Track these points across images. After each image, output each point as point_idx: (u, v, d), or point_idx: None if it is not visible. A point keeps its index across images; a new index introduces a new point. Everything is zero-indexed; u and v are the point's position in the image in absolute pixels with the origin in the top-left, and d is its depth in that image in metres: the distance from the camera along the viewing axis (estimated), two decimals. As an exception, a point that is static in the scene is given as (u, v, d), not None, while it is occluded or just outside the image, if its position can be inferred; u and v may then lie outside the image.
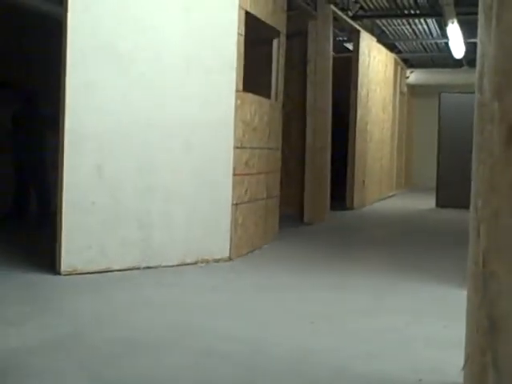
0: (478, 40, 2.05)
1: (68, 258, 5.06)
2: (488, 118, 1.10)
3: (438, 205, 12.35)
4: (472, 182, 2.18)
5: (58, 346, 3.40)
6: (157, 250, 5.53)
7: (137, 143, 5.39)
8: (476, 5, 2.50)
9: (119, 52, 5.27)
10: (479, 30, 1.95)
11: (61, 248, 5.05)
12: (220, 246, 5.97)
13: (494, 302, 0.73)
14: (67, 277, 5.00)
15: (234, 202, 6.08)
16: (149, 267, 5.44)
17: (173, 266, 5.58)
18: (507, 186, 0.59)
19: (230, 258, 6.02)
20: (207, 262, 5.84)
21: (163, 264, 5.54)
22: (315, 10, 8.99)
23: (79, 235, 5.11)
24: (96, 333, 3.67)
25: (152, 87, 5.45)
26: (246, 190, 6.39)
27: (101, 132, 5.19)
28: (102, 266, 5.21)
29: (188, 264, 5.68)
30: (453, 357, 3.17)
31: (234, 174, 6.06)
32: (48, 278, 4.96)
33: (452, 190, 11.84)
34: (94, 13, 5.13)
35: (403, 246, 7.54)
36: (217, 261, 5.91)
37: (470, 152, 2.54)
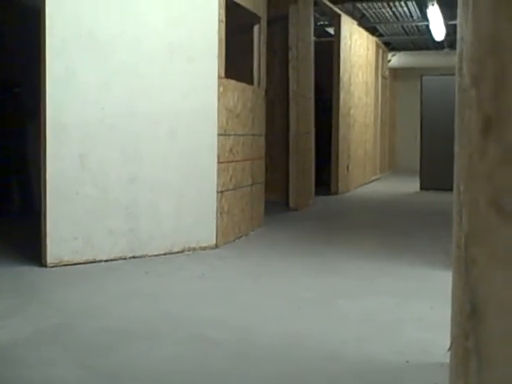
0: (457, 23, 2.05)
1: (54, 249, 5.03)
2: (467, 104, 1.09)
3: (421, 187, 12.41)
4: (454, 165, 2.19)
5: (47, 338, 3.39)
6: (144, 239, 5.52)
7: (120, 132, 5.36)
8: (457, -13, 2.50)
9: (100, 40, 5.23)
10: (458, 13, 1.95)
11: (46, 239, 5.02)
12: (206, 233, 5.97)
13: (474, 287, 0.73)
14: (53, 268, 4.97)
15: (220, 190, 6.08)
16: (135, 257, 5.43)
17: (159, 255, 5.57)
18: (483, 176, 0.59)
19: (216, 246, 6.02)
20: (194, 250, 5.84)
21: (150, 253, 5.53)
22: (296, -6, 8.95)
23: (64, 226, 5.09)
24: (85, 323, 3.66)
25: (134, 75, 5.41)
26: (231, 177, 6.39)
27: (83, 121, 5.15)
28: (89, 257, 5.19)
29: (175, 253, 5.68)
30: (439, 338, 3.20)
31: (219, 162, 6.05)
32: (34, 270, 4.93)
33: (435, 172, 11.92)
34: (73, 0, 5.08)
35: (389, 229, 7.58)
36: (203, 248, 5.91)
37: (453, 135, 2.54)
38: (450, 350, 2.23)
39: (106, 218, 5.29)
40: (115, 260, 5.30)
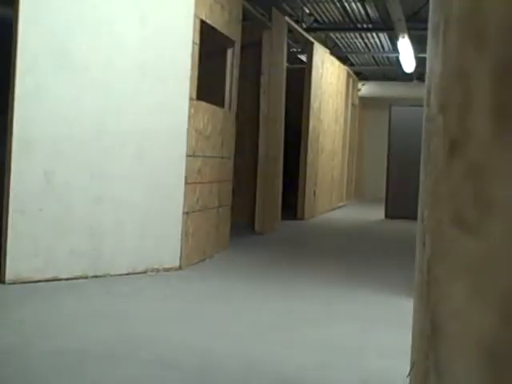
0: (427, 56, 2.11)
1: (13, 265, 4.94)
2: (434, 132, 1.14)
3: (386, 216, 12.54)
4: (419, 194, 2.23)
5: (2, 358, 3.31)
6: (106, 258, 5.45)
7: (88, 150, 5.31)
8: (426, 21, 2.56)
9: (73, 56, 5.20)
10: (428, 47, 2.01)
11: (5, 255, 4.93)
12: (170, 254, 5.93)
13: (435, 306, 0.76)
14: (12, 285, 4.88)
15: (186, 211, 6.06)
16: (97, 276, 5.36)
17: (122, 274, 5.51)
18: (447, 197, 0.63)
19: (180, 267, 5.98)
20: (157, 271, 5.79)
21: (112, 273, 5.47)
22: (270, 21, 9.05)
23: (25, 243, 5.00)
24: (42, 344, 3.59)
25: (105, 93, 5.39)
26: (198, 199, 6.37)
27: (51, 138, 5.10)
28: (49, 275, 5.11)
29: (138, 273, 5.62)
30: (401, 365, 3.21)
31: (186, 183, 6.03)
32: (-8, 287, 4.83)
33: (401, 201, 12.06)
34: (46, 16, 5.05)
35: (353, 256, 7.62)
36: (167, 270, 5.86)
37: (419, 164, 2.59)
38: (409, 375, 2.24)
39: (68, 236, 5.22)
40: (76, 279, 5.23)
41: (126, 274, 5.54)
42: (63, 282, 5.12)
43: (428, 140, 1.51)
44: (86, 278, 5.29)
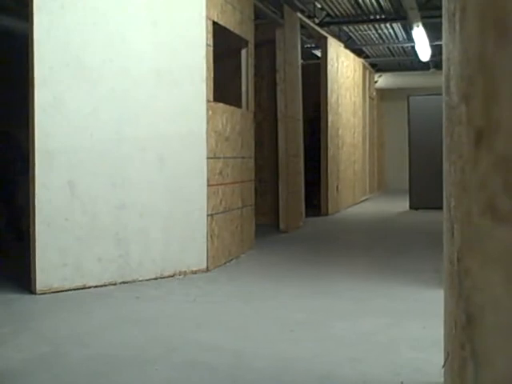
0: (443, 43, 2.06)
1: (43, 276, 5.00)
2: (457, 121, 1.12)
3: (411, 207, 12.45)
4: (444, 184, 2.19)
5: (40, 366, 3.35)
6: (134, 265, 5.49)
7: (109, 158, 5.35)
8: (440, 8, 2.53)
9: (88, 67, 5.24)
10: (444, 34, 1.96)
11: (35, 267, 4.98)
12: (197, 257, 5.95)
13: (469, 297, 0.75)
14: (43, 296, 4.93)
15: (210, 213, 6.07)
16: (125, 282, 5.40)
17: (150, 279, 5.54)
18: (476, 187, 0.61)
19: (207, 269, 6.00)
20: (185, 274, 5.81)
21: (140, 278, 5.50)
22: (282, 18, 9.04)
23: (54, 253, 5.05)
24: (77, 351, 3.62)
25: (122, 101, 5.42)
26: (221, 200, 6.38)
27: (72, 148, 5.15)
28: (78, 283, 5.16)
29: (165, 277, 5.65)
30: (433, 357, 3.20)
31: (209, 185, 6.05)
32: (23, 298, 4.89)
33: (424, 191, 11.98)
34: (61, 28, 5.10)
35: (380, 249, 7.58)
36: (194, 272, 5.88)
37: (441, 153, 2.56)
38: (444, 366, 2.22)
39: (95, 244, 5.26)
40: (105, 286, 5.27)
41: (154, 279, 5.57)
42: (92, 289, 5.16)
43: (450, 129, 1.49)
44: (115, 284, 5.33)
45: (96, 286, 5.22)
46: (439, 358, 2.62)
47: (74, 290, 5.10)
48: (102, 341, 3.83)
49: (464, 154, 0.90)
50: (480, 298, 0.63)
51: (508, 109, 0.41)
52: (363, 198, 14.58)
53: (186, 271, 5.83)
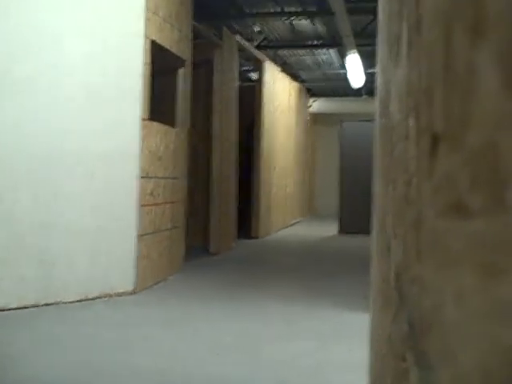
0: (378, 69, 2.11)
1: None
2: (399, 138, 1.16)
3: (340, 231, 12.61)
4: (375, 207, 2.21)
5: None
6: (57, 286, 5.29)
7: (36, 176, 5.16)
8: (374, 36, 2.57)
9: (16, 79, 5.06)
10: (381, 59, 2.00)
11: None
12: (124, 279, 5.80)
13: (416, 304, 0.76)
14: (-41, 317, 4.68)
15: (138, 233, 5.94)
16: (48, 304, 5.19)
17: (74, 301, 5.35)
18: (432, 191, 0.63)
19: (134, 291, 5.85)
20: (110, 296, 5.65)
21: (64, 300, 5.31)
22: (221, 39, 9.04)
23: (-28, 272, 4.81)
24: (-10, 379, 3.43)
25: (51, 116, 5.25)
26: (151, 221, 6.26)
27: (-3, 162, 4.94)
28: (-2, 304, 4.93)
29: (90, 299, 5.47)
30: (359, 378, 3.19)
31: (139, 205, 5.92)
32: None
33: (354, 216, 12.15)
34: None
35: (309, 272, 7.61)
36: (120, 295, 5.72)
37: (371, 178, 2.58)
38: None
39: (17, 264, 5.04)
40: (27, 308, 5.05)
41: (79, 301, 5.38)
42: (13, 311, 4.94)
43: (389, 148, 1.51)
44: (38, 306, 5.12)
45: (17, 308, 5.00)
46: (363, 380, 2.62)
47: (-7, 311, 4.87)
48: (22, 366, 3.65)
49: (411, 167, 0.94)
50: (435, 300, 0.63)
51: (481, 104, 0.43)
52: (293, 222, 14.69)
53: (112, 293, 5.67)
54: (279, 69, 12.87)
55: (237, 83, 9.94)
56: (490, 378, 0.41)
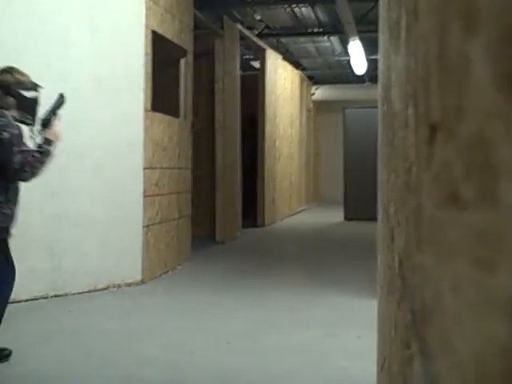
0: (380, 55, 2.11)
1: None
2: (400, 126, 1.17)
3: (346, 218, 12.63)
4: (379, 194, 2.22)
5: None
6: (67, 277, 5.34)
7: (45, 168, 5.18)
8: (376, 23, 2.57)
9: (25, 71, 5.07)
10: (382, 45, 2.00)
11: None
12: (132, 269, 5.84)
13: (417, 292, 0.78)
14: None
15: (146, 224, 5.98)
16: (57, 295, 5.24)
17: (83, 292, 5.40)
18: (430, 180, 0.65)
19: (142, 281, 5.90)
20: (119, 286, 5.70)
21: (73, 291, 5.35)
22: (222, 28, 9.04)
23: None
24: (7, 368, 3.48)
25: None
26: (157, 211, 6.30)
27: (3, 156, 4.97)
28: (8, 297, 4.97)
29: (99, 290, 5.52)
30: (367, 366, 3.22)
31: (145, 196, 5.96)
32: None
33: (359, 203, 12.16)
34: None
35: (315, 260, 7.64)
36: (129, 285, 5.77)
37: (375, 165, 2.57)
38: (382, 370, 2.24)
39: (27, 256, 5.09)
40: (36, 299, 5.10)
41: (88, 292, 5.43)
42: (23, 303, 4.99)
43: (390, 136, 1.52)
44: (47, 297, 5.17)
45: (27, 300, 5.05)
46: (372, 367, 2.65)
47: (3, 303, 4.91)
48: (33, 357, 3.70)
49: (411, 155, 0.95)
50: (435, 289, 0.65)
51: (474, 95, 0.44)
52: (299, 209, 14.71)
53: (120, 283, 5.72)
54: (281, 57, 12.85)
55: (239, 72, 9.94)
56: (485, 368, 0.43)
